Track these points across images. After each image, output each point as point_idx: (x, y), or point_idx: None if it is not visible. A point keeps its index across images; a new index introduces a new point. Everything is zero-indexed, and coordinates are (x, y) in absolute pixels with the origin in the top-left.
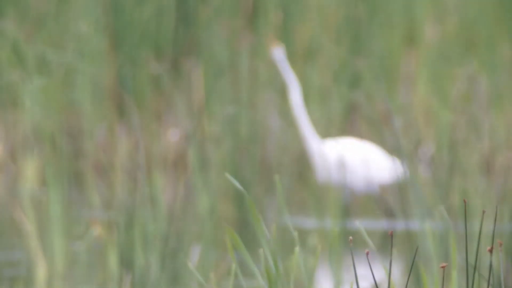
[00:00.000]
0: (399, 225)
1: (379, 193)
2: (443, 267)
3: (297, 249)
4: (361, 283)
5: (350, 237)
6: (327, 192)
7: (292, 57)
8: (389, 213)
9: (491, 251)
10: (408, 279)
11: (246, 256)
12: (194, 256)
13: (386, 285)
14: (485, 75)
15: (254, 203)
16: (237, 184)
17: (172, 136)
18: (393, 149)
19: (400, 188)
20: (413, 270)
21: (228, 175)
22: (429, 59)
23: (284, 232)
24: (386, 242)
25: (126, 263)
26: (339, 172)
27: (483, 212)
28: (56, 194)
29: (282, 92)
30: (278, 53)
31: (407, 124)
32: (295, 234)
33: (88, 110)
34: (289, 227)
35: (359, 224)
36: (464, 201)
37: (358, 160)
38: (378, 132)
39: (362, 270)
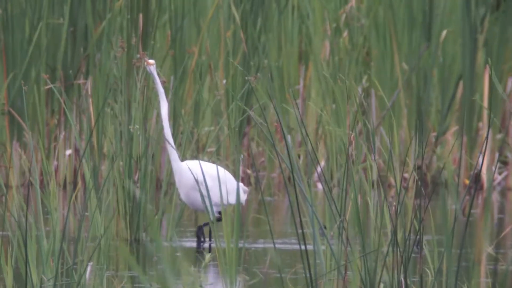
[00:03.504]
0: (294, 243)
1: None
2: None
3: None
4: None
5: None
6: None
7: (185, 74)
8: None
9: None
10: None
11: (141, 275)
12: (88, 274)
13: None
14: (378, 90)
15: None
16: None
17: (66, 153)
18: (286, 166)
19: (294, 205)
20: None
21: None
22: (322, 75)
23: (179, 251)
24: (280, 261)
25: (21, 281)
26: (194, 191)
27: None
28: None
29: (173, 109)
30: (151, 68)
31: (301, 140)
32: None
33: None
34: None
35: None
36: None
37: (211, 182)
38: (272, 148)
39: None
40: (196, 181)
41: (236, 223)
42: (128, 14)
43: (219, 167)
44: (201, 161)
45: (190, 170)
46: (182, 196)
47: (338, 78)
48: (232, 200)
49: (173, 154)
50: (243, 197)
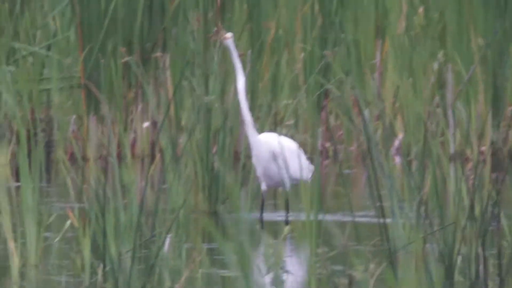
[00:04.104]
0: (372, 216)
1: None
2: None
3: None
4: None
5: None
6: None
7: (262, 47)
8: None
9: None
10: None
11: (224, 247)
12: (166, 246)
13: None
14: (455, 65)
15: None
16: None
17: (144, 126)
18: (364, 139)
19: (372, 178)
20: (387, 261)
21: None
22: (399, 50)
23: (258, 223)
24: (358, 234)
25: (99, 253)
26: (272, 164)
27: None
28: (29, 185)
29: (251, 82)
30: (228, 41)
31: (379, 114)
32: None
33: (58, 100)
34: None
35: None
36: None
37: (287, 153)
38: (349, 122)
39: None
40: (274, 153)
41: (316, 195)
42: None
43: (294, 142)
44: (277, 135)
45: (268, 142)
46: (259, 171)
47: (416, 53)
48: (305, 175)
49: (250, 129)
50: (310, 175)
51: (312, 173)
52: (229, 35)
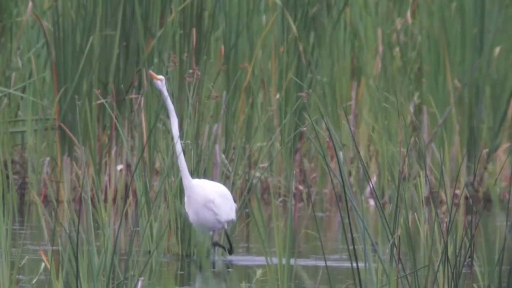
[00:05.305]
0: (345, 260)
1: (223, 230)
2: None
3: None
4: None
5: None
6: (273, 228)
7: (237, 89)
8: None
9: None
10: None
11: None
12: None
13: None
14: (430, 107)
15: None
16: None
17: (118, 169)
18: (338, 182)
19: (345, 221)
20: None
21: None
22: (374, 91)
23: (231, 267)
24: (331, 277)
25: None
26: (204, 209)
27: None
28: (2, 227)
29: (226, 124)
30: (159, 84)
31: (353, 156)
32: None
33: (33, 142)
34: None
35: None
36: None
37: (219, 199)
38: (323, 164)
39: None
40: (207, 199)
41: (288, 240)
42: (181, 29)
43: (222, 185)
44: (208, 180)
45: (201, 189)
46: (192, 218)
47: (391, 95)
48: (232, 216)
49: (184, 171)
50: (235, 213)
51: (236, 210)
52: (160, 77)
